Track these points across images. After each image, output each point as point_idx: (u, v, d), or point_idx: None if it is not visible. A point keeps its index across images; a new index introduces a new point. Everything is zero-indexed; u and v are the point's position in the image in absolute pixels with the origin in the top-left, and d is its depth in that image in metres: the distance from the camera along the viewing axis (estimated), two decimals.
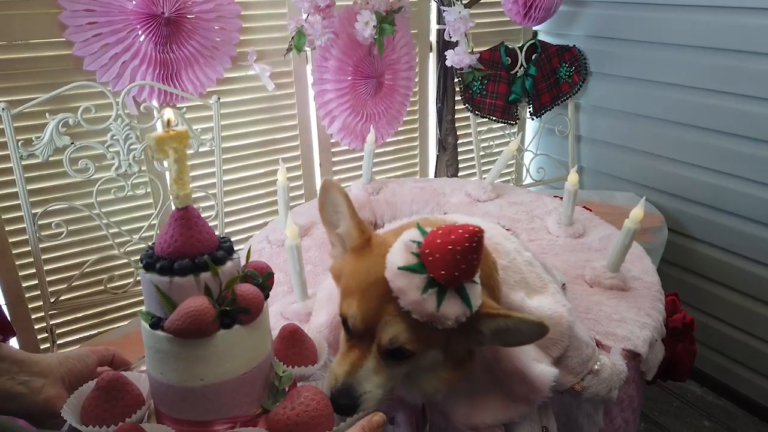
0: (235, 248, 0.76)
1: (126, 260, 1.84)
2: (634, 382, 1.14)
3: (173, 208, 0.71)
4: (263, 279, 0.77)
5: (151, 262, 0.71)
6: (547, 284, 0.97)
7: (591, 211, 1.67)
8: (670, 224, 2.25)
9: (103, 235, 1.79)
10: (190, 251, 0.70)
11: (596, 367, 0.95)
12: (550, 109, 2.55)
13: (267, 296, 0.77)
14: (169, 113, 0.74)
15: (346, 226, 0.86)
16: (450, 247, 0.72)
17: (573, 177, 1.46)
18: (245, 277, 0.76)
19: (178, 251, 0.70)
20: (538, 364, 0.88)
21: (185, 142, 0.71)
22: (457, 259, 0.71)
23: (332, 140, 2.26)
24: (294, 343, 0.83)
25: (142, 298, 0.74)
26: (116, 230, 1.80)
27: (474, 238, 0.70)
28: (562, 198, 1.54)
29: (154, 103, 1.82)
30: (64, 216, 1.75)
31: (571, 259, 1.40)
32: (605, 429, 1.10)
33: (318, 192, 0.92)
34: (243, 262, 0.77)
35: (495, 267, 0.90)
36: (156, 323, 0.70)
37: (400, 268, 0.74)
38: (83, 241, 1.84)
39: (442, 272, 0.72)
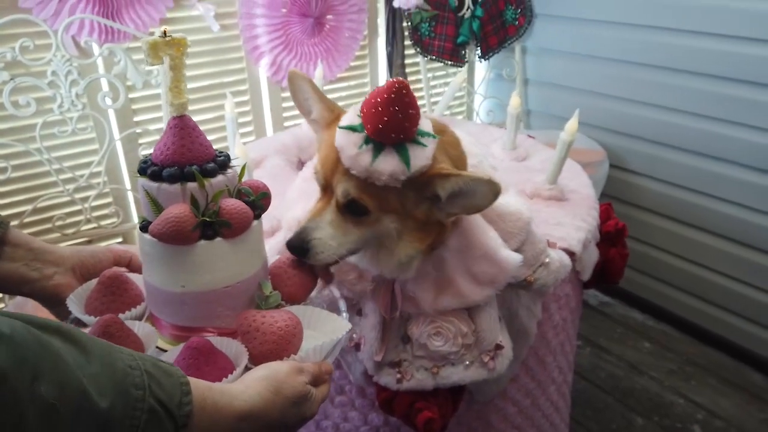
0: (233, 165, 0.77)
1: (79, 206, 1.81)
2: (570, 282, 1.22)
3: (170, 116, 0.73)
4: (257, 198, 0.78)
5: (144, 167, 0.74)
6: (509, 187, 1.06)
7: (534, 138, 1.73)
8: (612, 160, 2.35)
9: (48, 174, 1.76)
10: (181, 160, 0.72)
11: (546, 260, 1.03)
12: (497, 52, 2.59)
13: (258, 216, 0.78)
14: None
15: (317, 109, 0.93)
16: (373, 100, 0.76)
17: (515, 101, 1.51)
18: (239, 194, 0.77)
19: (169, 159, 0.72)
20: (505, 249, 0.95)
21: (183, 49, 0.72)
22: (379, 111, 0.75)
23: (283, 85, 2.23)
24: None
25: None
26: (68, 176, 1.78)
27: (393, 89, 0.74)
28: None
29: (95, 38, 1.76)
30: (8, 156, 1.70)
31: (514, 178, 1.45)
32: (545, 325, 1.18)
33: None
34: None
35: (460, 146, 0.95)
36: (145, 227, 0.73)
37: (341, 128, 0.81)
38: (28, 179, 1.78)
39: (368, 126, 0.77)
